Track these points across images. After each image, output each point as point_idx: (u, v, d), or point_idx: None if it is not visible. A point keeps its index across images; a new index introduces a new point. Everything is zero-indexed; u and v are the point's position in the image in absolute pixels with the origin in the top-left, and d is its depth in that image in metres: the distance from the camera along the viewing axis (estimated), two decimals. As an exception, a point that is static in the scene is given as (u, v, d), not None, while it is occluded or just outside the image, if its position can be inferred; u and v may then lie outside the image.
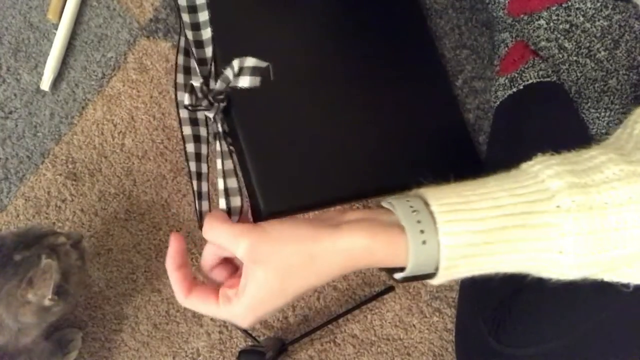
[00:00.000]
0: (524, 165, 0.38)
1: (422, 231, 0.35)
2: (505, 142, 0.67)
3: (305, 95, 0.57)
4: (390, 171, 0.60)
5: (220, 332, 0.72)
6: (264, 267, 0.37)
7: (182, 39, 0.53)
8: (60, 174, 0.74)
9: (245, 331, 0.70)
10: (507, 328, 0.58)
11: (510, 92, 0.67)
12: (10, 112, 0.76)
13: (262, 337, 0.71)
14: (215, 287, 0.42)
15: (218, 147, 0.47)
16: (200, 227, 0.44)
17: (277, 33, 0.60)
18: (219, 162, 0.46)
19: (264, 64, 0.42)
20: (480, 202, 0.35)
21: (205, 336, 0.72)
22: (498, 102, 0.69)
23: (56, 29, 0.76)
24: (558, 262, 0.35)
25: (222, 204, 0.46)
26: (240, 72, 0.41)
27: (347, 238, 0.36)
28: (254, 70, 0.41)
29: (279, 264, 0.37)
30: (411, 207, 0.36)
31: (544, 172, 0.36)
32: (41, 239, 0.57)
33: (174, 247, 0.43)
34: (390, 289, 0.71)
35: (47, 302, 0.54)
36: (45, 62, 0.76)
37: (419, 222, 0.35)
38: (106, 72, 0.76)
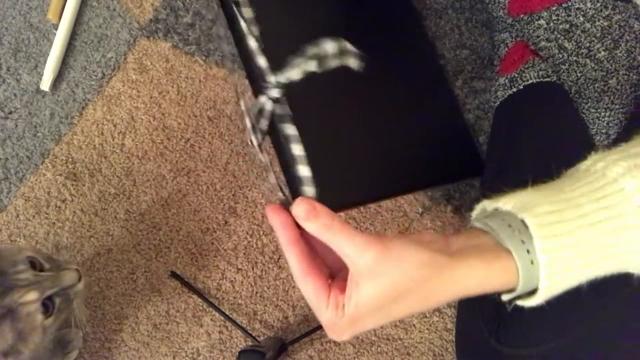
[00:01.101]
0: (585, 165, 0.38)
1: (528, 251, 0.35)
2: (505, 142, 0.67)
3: (314, 96, 0.56)
4: (392, 172, 0.60)
5: (220, 332, 0.72)
6: (377, 284, 0.35)
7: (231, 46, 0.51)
8: (60, 174, 0.74)
9: (245, 331, 0.70)
10: (508, 328, 0.58)
11: (510, 92, 0.67)
12: (10, 112, 0.76)
13: (262, 337, 0.71)
14: (326, 280, 0.39)
15: (289, 131, 0.44)
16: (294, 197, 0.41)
17: (280, 34, 0.60)
18: (294, 146, 0.43)
19: (362, 53, 0.40)
20: (567, 211, 0.35)
21: (205, 336, 0.72)
22: (498, 102, 0.69)
23: (56, 29, 0.76)
24: None
25: (311, 192, 0.42)
26: (344, 53, 0.40)
27: (464, 270, 0.35)
28: (356, 55, 0.40)
29: (392, 285, 0.35)
30: (509, 226, 0.36)
31: (613, 171, 0.35)
32: (6, 293, 0.50)
33: (281, 219, 0.40)
34: (390, 289, 0.71)
35: None
36: (45, 62, 0.76)
37: (523, 242, 0.35)
38: (106, 72, 0.76)
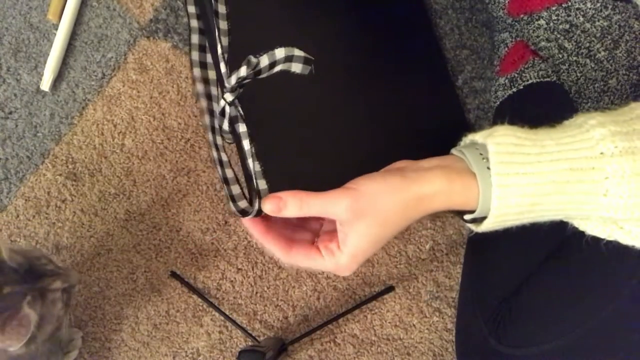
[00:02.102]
0: (568, 121, 0.41)
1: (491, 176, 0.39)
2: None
3: (309, 91, 0.57)
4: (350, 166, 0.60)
5: (220, 332, 0.72)
6: (364, 219, 0.40)
7: (196, 36, 0.55)
8: (60, 174, 0.74)
9: (245, 331, 0.70)
10: (508, 328, 0.58)
11: (510, 92, 0.67)
12: (11, 113, 0.76)
13: (262, 337, 0.71)
14: (310, 243, 0.45)
15: (241, 129, 0.48)
16: (237, 210, 0.46)
17: (284, 30, 0.60)
18: (245, 143, 0.48)
19: (310, 57, 0.44)
20: (532, 147, 0.39)
21: (205, 336, 0.72)
22: (498, 102, 0.69)
23: (56, 30, 0.76)
24: (603, 205, 0.38)
25: (263, 184, 0.47)
26: (291, 59, 0.43)
27: (429, 184, 0.40)
28: (306, 60, 0.43)
29: (377, 215, 0.40)
30: (480, 154, 0.41)
31: (588, 122, 0.38)
32: (38, 278, 0.54)
33: (251, 221, 0.45)
34: (390, 289, 0.71)
35: (11, 350, 0.52)
36: (45, 62, 0.76)
37: (488, 168, 0.39)
38: (106, 72, 0.76)
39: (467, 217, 0.43)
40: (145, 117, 0.75)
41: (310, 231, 0.48)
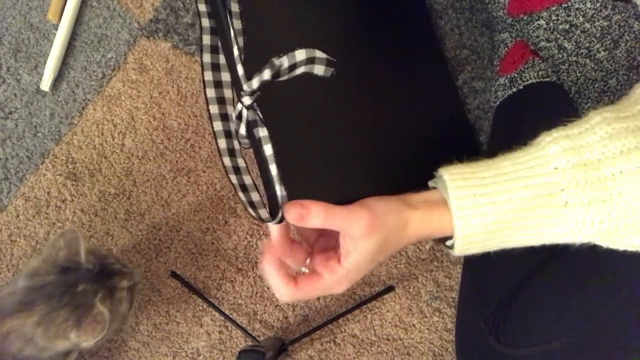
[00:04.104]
0: (533, 141, 0.43)
1: None
2: (505, 142, 0.67)
3: (317, 94, 0.55)
4: (392, 171, 0.60)
5: (220, 332, 0.72)
6: (372, 237, 0.42)
7: (207, 37, 0.53)
8: (60, 174, 0.74)
9: (245, 331, 0.70)
10: (507, 328, 0.58)
11: (510, 92, 0.67)
12: (11, 112, 0.76)
13: (262, 337, 0.71)
14: (308, 273, 0.46)
15: (261, 133, 0.47)
16: (257, 216, 0.46)
17: (297, 29, 0.59)
18: (267, 148, 0.46)
19: (332, 59, 0.44)
20: (487, 171, 0.42)
21: (205, 336, 0.72)
22: (498, 102, 0.69)
23: (56, 30, 0.76)
24: (566, 216, 0.39)
25: (282, 191, 0.46)
26: (313, 61, 0.43)
27: (417, 217, 0.43)
28: (329, 62, 0.43)
29: (383, 233, 0.42)
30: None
31: (544, 140, 0.41)
32: (109, 277, 0.56)
33: (271, 252, 0.45)
34: (390, 289, 0.71)
35: (84, 345, 0.54)
36: (45, 62, 0.76)
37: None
38: (106, 72, 0.76)
39: (447, 242, 0.45)
40: (145, 117, 0.75)
41: (305, 241, 0.48)
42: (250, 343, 0.70)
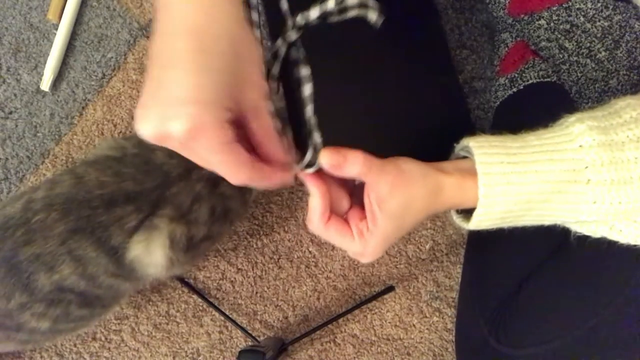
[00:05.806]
0: (554, 123, 0.43)
1: None
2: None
3: (356, 48, 0.54)
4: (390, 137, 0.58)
5: (220, 332, 0.72)
6: (396, 198, 0.40)
7: None
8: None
9: (245, 331, 0.70)
10: (507, 328, 0.58)
11: (510, 92, 0.67)
12: (11, 112, 0.76)
13: (262, 337, 0.71)
14: (343, 219, 0.43)
15: (303, 72, 0.44)
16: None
17: None
18: (307, 87, 0.44)
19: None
20: (514, 142, 0.41)
21: (205, 336, 0.72)
22: (498, 102, 0.69)
23: (56, 29, 0.76)
24: (587, 193, 0.39)
25: (318, 137, 0.43)
26: (367, 5, 0.42)
27: (449, 184, 0.42)
28: (377, 9, 0.42)
29: (408, 195, 0.41)
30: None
31: (568, 120, 0.41)
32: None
33: (316, 187, 0.42)
34: (390, 289, 0.71)
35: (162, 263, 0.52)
36: (45, 62, 0.76)
37: None
38: (106, 72, 0.76)
39: (456, 218, 0.44)
40: (145, 117, 0.75)
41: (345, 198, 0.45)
42: (250, 343, 0.70)
